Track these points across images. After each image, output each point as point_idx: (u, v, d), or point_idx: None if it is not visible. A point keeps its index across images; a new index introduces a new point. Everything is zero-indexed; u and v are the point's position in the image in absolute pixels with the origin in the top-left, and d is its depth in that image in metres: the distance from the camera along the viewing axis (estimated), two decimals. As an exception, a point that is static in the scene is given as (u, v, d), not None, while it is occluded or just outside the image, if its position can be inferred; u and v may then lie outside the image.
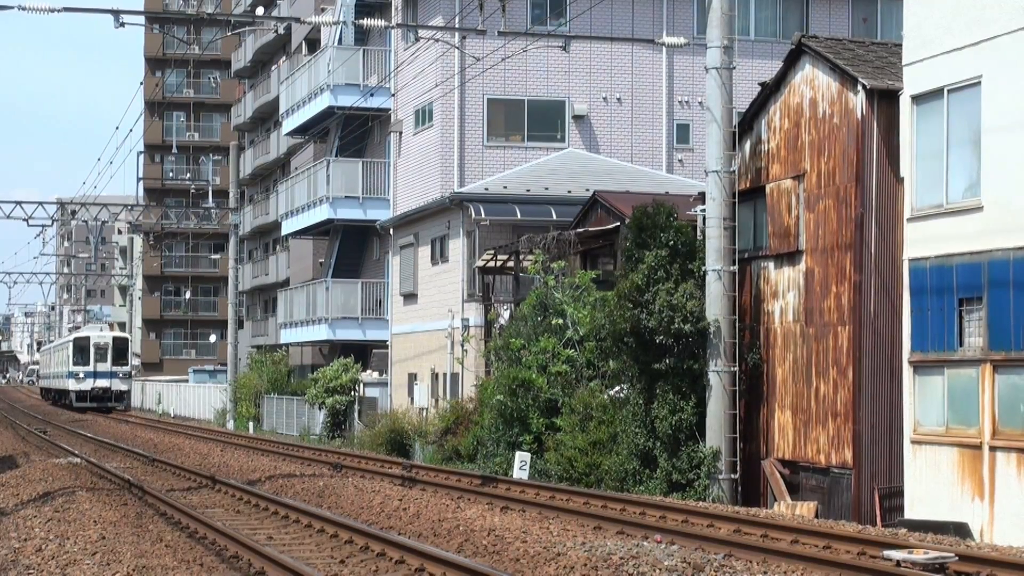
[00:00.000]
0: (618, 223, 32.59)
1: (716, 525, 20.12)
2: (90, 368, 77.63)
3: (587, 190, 37.83)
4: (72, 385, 78.37)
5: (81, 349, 78.20)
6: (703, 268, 26.27)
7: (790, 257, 25.97)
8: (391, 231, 48.36)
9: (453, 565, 15.05)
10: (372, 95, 46.92)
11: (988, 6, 21.18)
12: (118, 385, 78.65)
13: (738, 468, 25.79)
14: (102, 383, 77.72)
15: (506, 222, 40.28)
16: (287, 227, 58.54)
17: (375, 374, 49.41)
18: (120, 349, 79.15)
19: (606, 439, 28.10)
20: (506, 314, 37.51)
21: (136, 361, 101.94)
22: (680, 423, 26.07)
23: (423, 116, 45.04)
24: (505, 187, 41.14)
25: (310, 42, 63.55)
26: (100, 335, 79.17)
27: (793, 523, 20.21)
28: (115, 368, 78.09)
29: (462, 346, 40.28)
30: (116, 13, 25.61)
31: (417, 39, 42.72)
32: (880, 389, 23.95)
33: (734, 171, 26.38)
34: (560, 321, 31.91)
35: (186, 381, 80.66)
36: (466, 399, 38.25)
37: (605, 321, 27.52)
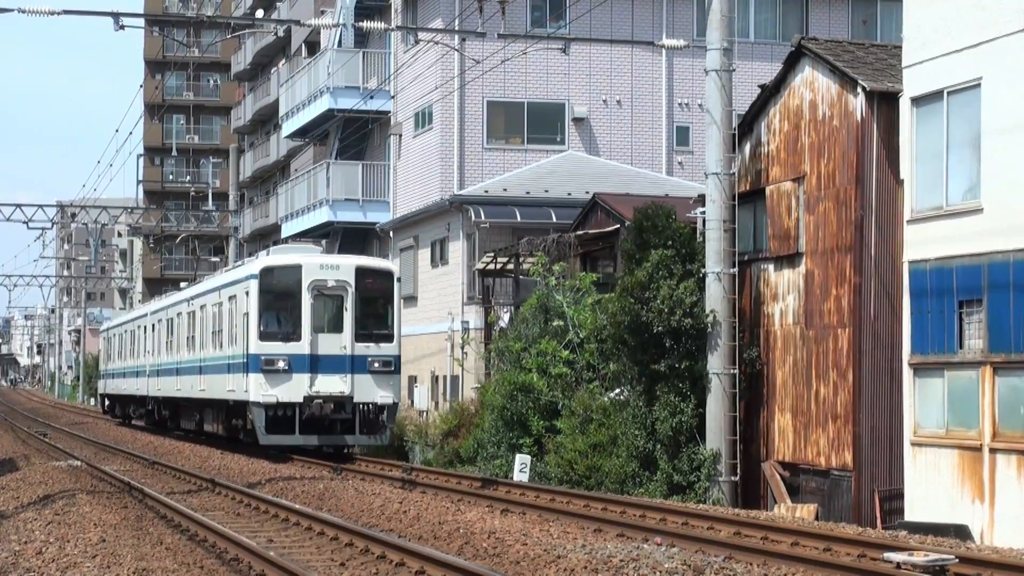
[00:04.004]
0: (618, 225, 32.60)
1: (716, 527, 20.11)
2: (301, 347, 33.75)
3: (587, 192, 37.85)
4: (253, 390, 33.69)
5: (283, 296, 34.31)
6: (702, 270, 26.28)
7: (790, 259, 25.97)
8: (391, 234, 48.36)
9: (453, 568, 15.04)
10: (372, 98, 46.93)
11: (988, 8, 21.19)
12: (371, 390, 34.09)
13: (738, 470, 25.79)
14: (334, 384, 33.79)
15: (506, 224, 40.30)
16: (287, 230, 58.52)
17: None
18: (374, 298, 34.77)
19: (606, 441, 28.09)
20: (506, 316, 37.53)
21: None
22: (680, 425, 26.07)
23: (423, 118, 45.04)
24: (505, 189, 41.16)
25: (310, 45, 63.55)
26: (328, 263, 34.72)
27: (793, 525, 20.21)
28: (368, 344, 34.15)
29: (462, 348, 40.28)
30: (116, 16, 25.61)
31: (417, 41, 42.73)
32: (880, 391, 23.95)
33: (734, 173, 26.38)
34: (561, 323, 31.92)
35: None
36: (467, 401, 38.26)
37: (607, 321, 27.51)
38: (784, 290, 26.20)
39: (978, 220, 21.24)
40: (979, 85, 21.29)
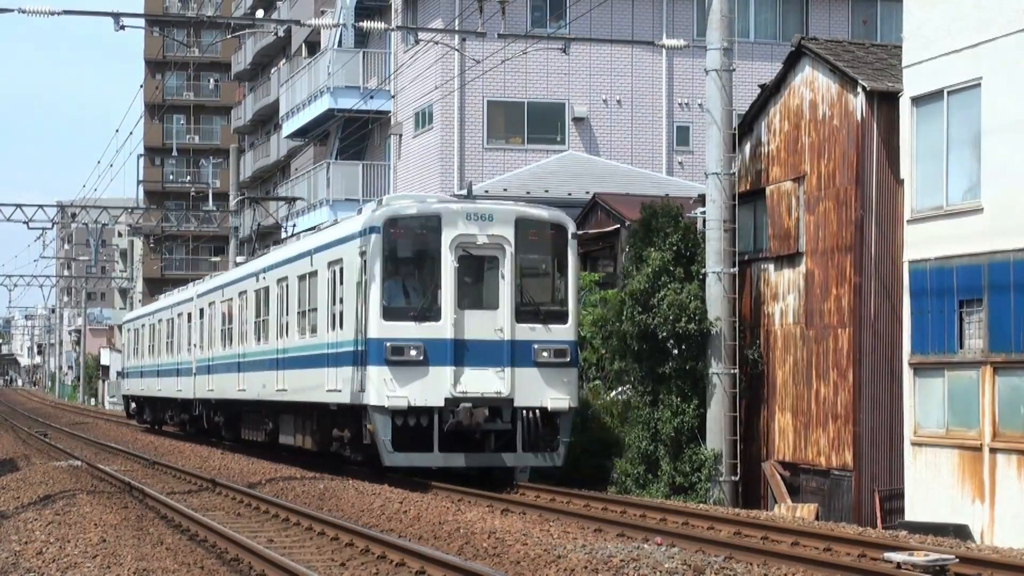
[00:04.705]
0: (618, 225, 32.60)
1: (716, 527, 20.12)
2: (440, 329, 25.04)
3: (587, 192, 37.85)
4: (373, 389, 24.90)
5: (414, 259, 25.82)
6: (702, 270, 26.29)
7: (790, 259, 25.98)
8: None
9: (453, 568, 15.05)
10: (372, 97, 46.93)
11: (988, 8, 21.20)
12: (539, 390, 25.30)
13: (738, 470, 25.79)
14: (487, 381, 25.10)
15: (506, 224, 40.18)
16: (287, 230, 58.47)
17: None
18: (542, 261, 26.37)
19: (611, 442, 28.13)
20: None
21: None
22: (682, 425, 26.08)
23: (423, 118, 45.05)
24: (505, 189, 41.16)
25: (310, 45, 63.55)
26: (477, 211, 25.70)
27: (793, 525, 20.21)
28: (533, 326, 25.51)
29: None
30: (116, 16, 25.61)
31: (417, 41, 42.73)
32: (880, 391, 23.96)
33: (734, 173, 26.39)
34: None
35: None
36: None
37: (613, 320, 27.46)
38: (784, 290, 26.20)
39: (978, 220, 21.25)
40: (979, 85, 21.29)
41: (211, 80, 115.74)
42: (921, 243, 22.42)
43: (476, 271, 25.50)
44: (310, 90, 54.21)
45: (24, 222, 53.85)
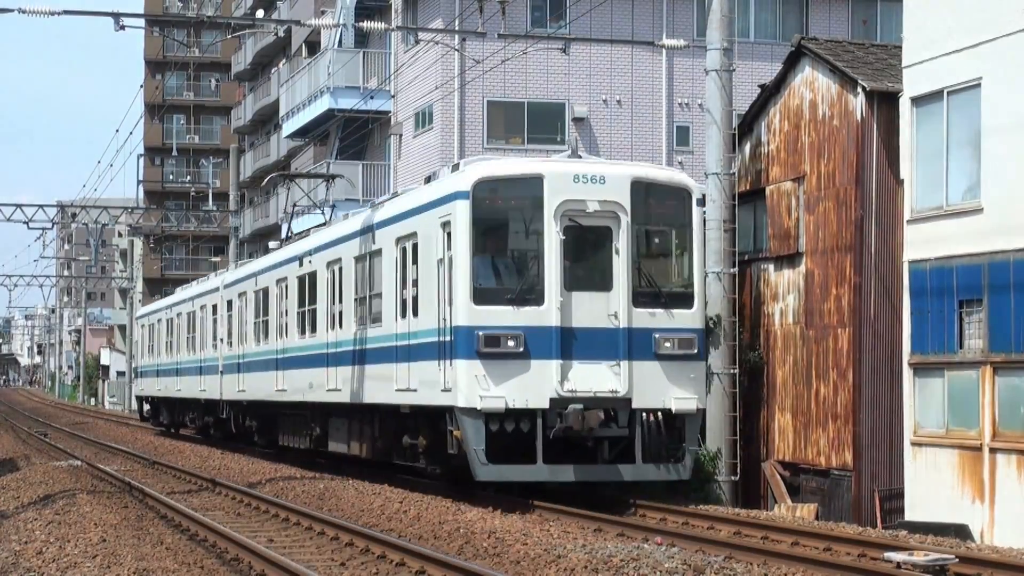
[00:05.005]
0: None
1: (716, 527, 20.11)
2: (543, 314, 21.16)
3: (587, 192, 37.72)
4: (462, 387, 21.06)
5: (510, 230, 21.94)
6: (703, 270, 26.26)
7: (790, 259, 25.99)
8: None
9: (453, 567, 15.05)
10: (372, 98, 46.93)
11: (988, 8, 21.20)
12: (661, 388, 21.69)
13: (738, 470, 25.79)
14: (600, 378, 21.36)
15: (507, 224, 40.13)
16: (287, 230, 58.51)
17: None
18: (662, 232, 22.73)
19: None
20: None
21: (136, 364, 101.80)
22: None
23: (423, 118, 45.04)
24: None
25: (310, 45, 63.56)
26: (586, 173, 21.67)
27: (793, 525, 20.20)
28: (653, 311, 21.81)
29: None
30: (116, 16, 25.61)
31: (417, 41, 42.74)
32: (880, 391, 23.97)
33: (734, 173, 26.39)
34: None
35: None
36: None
37: None
38: (784, 290, 26.21)
39: (978, 220, 21.26)
40: (979, 85, 21.30)
41: (211, 80, 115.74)
42: (921, 243, 22.43)
43: (585, 245, 21.64)
44: (310, 90, 54.22)
45: (24, 222, 53.87)
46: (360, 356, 25.88)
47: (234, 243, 60.08)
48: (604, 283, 21.55)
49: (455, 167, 22.62)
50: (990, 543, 20.26)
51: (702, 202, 22.79)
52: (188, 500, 24.70)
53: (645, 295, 21.77)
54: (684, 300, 22.07)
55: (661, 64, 44.22)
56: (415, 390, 22.85)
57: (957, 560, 16.38)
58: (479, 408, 20.89)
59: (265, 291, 33.73)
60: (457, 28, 38.80)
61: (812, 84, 25.52)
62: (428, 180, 24.25)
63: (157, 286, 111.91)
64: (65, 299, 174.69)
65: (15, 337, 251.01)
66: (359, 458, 27.41)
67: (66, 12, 25.76)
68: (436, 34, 36.81)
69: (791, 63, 26.11)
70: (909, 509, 22.51)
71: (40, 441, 47.30)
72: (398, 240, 23.89)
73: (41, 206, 54.64)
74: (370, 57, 51.24)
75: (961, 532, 20.64)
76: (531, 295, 21.21)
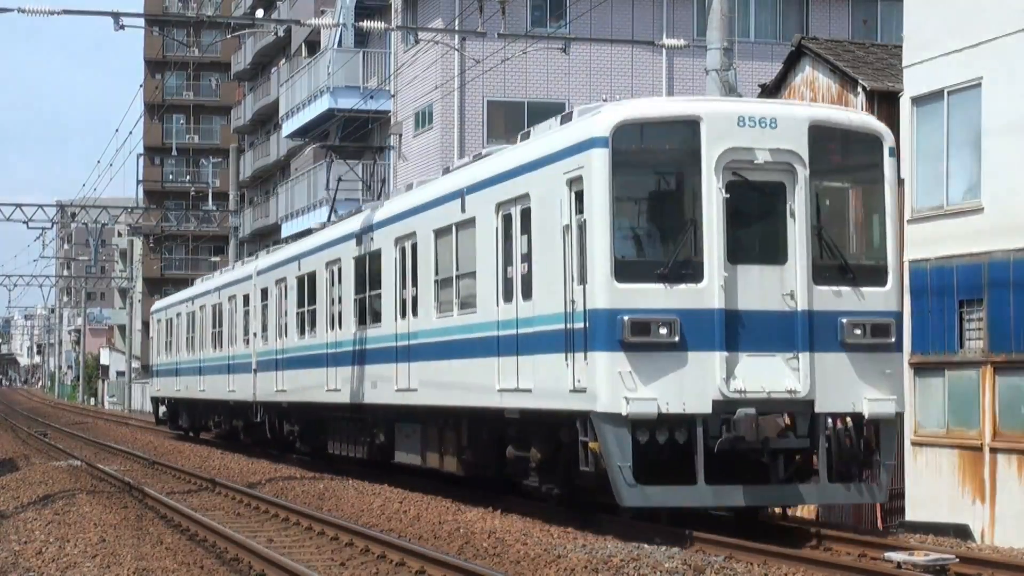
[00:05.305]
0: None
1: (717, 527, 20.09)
2: (702, 294, 16.98)
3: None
4: (603, 386, 16.85)
5: (659, 186, 17.90)
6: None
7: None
8: (391, 233, 48.13)
9: (453, 567, 15.04)
10: (372, 97, 46.97)
11: (988, 8, 21.20)
12: (850, 386, 17.46)
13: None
14: (774, 375, 17.16)
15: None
16: (287, 229, 58.54)
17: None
18: (845, 191, 18.48)
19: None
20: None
21: (136, 364, 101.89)
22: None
23: (423, 118, 45.04)
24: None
25: (310, 44, 63.59)
26: (753, 114, 17.45)
27: (793, 525, 20.18)
28: (838, 290, 17.59)
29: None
30: (116, 15, 25.62)
31: (417, 41, 42.74)
32: (880, 391, 23.90)
33: (734, 173, 26.28)
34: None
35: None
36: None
37: None
38: (784, 290, 26.18)
39: (978, 220, 21.25)
40: (979, 85, 21.30)
41: (211, 80, 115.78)
42: (921, 243, 22.42)
43: (752, 205, 17.47)
44: (310, 90, 54.25)
45: (24, 222, 53.92)
46: (443, 349, 21.73)
47: (234, 243, 60.10)
48: (776, 254, 17.34)
49: (583, 111, 18.32)
50: (990, 543, 20.26)
51: (895, 152, 18.35)
52: (188, 500, 24.69)
53: (828, 269, 17.48)
54: (876, 275, 17.80)
55: (661, 64, 44.22)
56: (528, 390, 18.59)
57: (957, 560, 16.36)
58: (624, 414, 16.61)
59: (311, 276, 29.58)
60: (457, 28, 38.81)
61: (812, 84, 25.51)
62: (523, 137, 20.27)
63: (157, 286, 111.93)
64: (65, 299, 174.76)
65: (15, 337, 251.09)
66: (437, 472, 23.55)
67: (65, 12, 25.77)
68: (436, 34, 36.82)
69: (791, 63, 26.09)
70: (909, 509, 22.50)
71: (40, 441, 47.30)
72: (499, 206, 19.63)
73: (41, 206, 54.69)
74: (370, 57, 51.26)
75: (961, 532, 20.63)
76: (687, 269, 16.97)
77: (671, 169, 17.54)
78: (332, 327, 27.96)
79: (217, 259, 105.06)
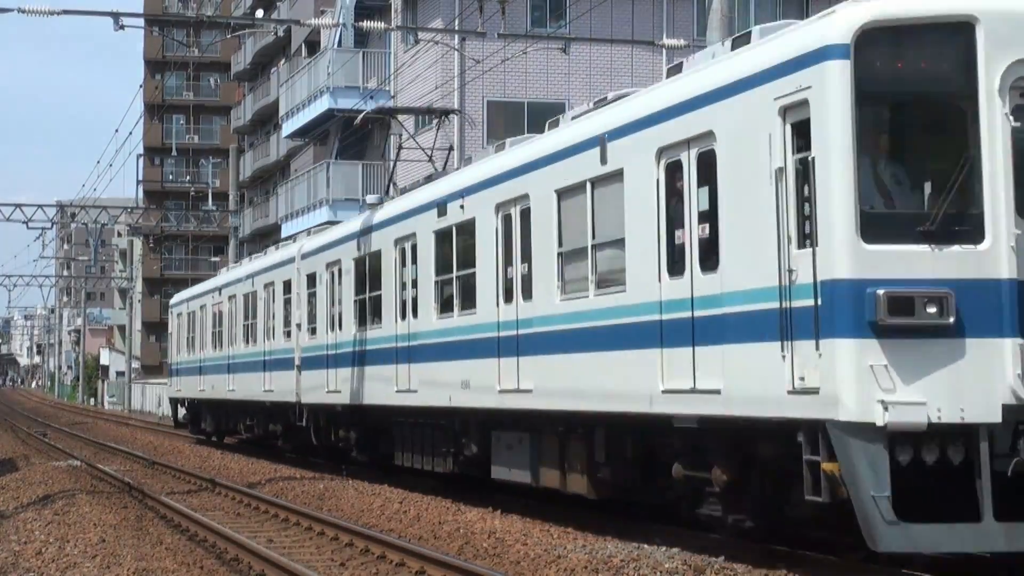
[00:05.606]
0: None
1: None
2: (977, 259, 12.41)
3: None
4: (846, 384, 12.30)
5: (918, 117, 12.88)
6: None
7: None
8: (391, 233, 48.12)
9: (453, 568, 15.04)
10: (372, 98, 46.95)
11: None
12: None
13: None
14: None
15: (506, 224, 40.08)
16: (287, 230, 58.52)
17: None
18: None
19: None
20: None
21: (135, 364, 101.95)
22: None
23: (423, 118, 45.04)
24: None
25: (310, 44, 63.59)
26: None
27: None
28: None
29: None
30: (116, 16, 25.63)
31: (417, 41, 42.75)
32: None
33: (734, 173, 26.21)
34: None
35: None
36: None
37: None
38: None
39: (978, 220, 21.21)
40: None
41: (211, 80, 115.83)
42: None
43: None
44: (310, 90, 54.24)
45: (24, 222, 53.96)
46: (570, 340, 17.37)
47: (234, 243, 60.11)
48: None
49: (765, 30, 14.61)
50: (990, 543, 20.20)
51: None
52: (188, 500, 24.69)
53: None
54: None
55: (661, 64, 44.21)
56: (714, 392, 14.20)
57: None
58: (882, 424, 12.23)
59: (374, 256, 25.22)
60: (457, 28, 38.82)
61: (812, 84, 25.46)
62: (672, 73, 16.17)
63: (157, 286, 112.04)
64: (64, 299, 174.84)
65: (14, 337, 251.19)
66: (559, 493, 19.10)
67: (65, 12, 25.77)
68: (436, 34, 36.84)
69: (791, 63, 26.06)
70: (909, 509, 22.46)
71: (39, 441, 47.32)
72: (661, 152, 15.31)
73: (41, 206, 54.72)
74: (370, 57, 51.26)
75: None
76: (962, 225, 12.60)
77: (937, 88, 12.86)
78: (401, 316, 23.73)
79: (217, 259, 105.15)
